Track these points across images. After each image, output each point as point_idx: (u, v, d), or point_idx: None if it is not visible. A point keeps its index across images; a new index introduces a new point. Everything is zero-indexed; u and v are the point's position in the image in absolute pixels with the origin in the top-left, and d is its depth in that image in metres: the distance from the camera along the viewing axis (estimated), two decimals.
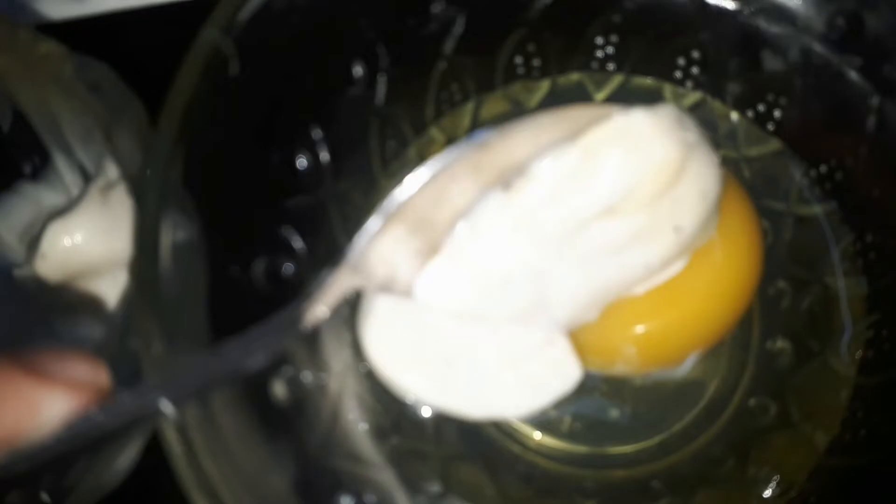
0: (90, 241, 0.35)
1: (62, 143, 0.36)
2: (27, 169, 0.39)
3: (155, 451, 0.31)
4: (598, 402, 0.35)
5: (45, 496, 0.30)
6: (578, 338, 0.32)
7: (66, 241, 0.36)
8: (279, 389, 0.28)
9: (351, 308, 0.34)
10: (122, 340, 0.33)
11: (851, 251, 0.35)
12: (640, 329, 0.32)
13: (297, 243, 0.31)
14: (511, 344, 0.32)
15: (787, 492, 0.32)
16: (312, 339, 0.31)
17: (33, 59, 0.33)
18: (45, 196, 0.39)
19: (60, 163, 0.38)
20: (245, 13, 0.27)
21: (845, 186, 0.35)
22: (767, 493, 0.32)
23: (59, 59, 0.33)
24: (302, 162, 0.31)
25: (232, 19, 0.27)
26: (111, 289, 0.36)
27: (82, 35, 0.37)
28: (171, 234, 0.26)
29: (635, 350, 0.33)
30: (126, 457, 0.31)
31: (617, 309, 0.30)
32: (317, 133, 0.31)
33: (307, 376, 0.29)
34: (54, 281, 0.36)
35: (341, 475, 0.29)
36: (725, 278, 0.32)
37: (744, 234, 0.33)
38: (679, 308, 0.32)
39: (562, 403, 0.33)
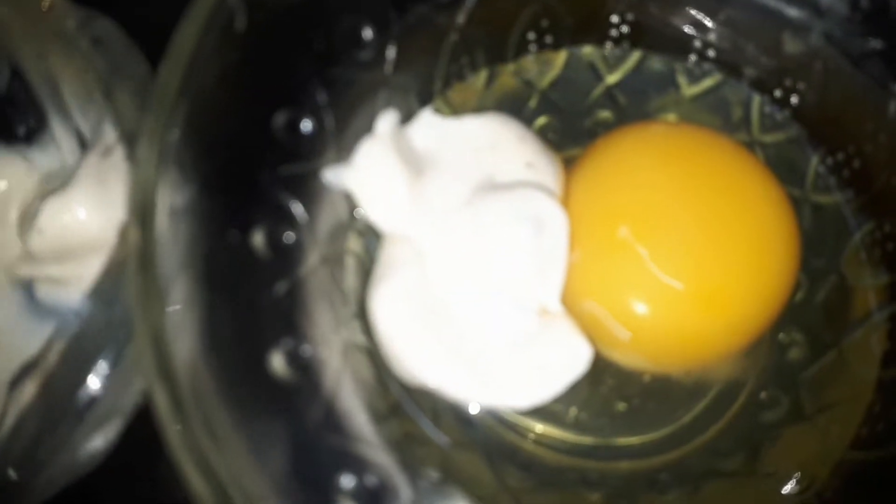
0: (90, 217, 0.34)
1: (60, 105, 0.35)
2: (21, 131, 0.38)
3: (133, 433, 0.31)
4: (606, 393, 0.34)
5: (11, 473, 0.28)
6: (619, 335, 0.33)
7: (67, 218, 0.34)
8: (278, 363, 0.27)
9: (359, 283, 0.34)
10: (107, 311, 0.31)
11: (869, 241, 0.35)
12: (683, 329, 0.32)
13: (298, 210, 0.30)
14: (517, 326, 0.32)
15: (807, 489, 0.32)
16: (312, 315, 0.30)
17: (35, 12, 0.32)
18: (39, 161, 0.37)
19: (57, 126, 0.36)
20: None
21: (864, 174, 0.35)
22: (786, 488, 0.32)
23: (61, 13, 0.32)
24: (306, 126, 0.30)
25: None
26: (100, 261, 0.34)
27: None
28: (169, 198, 0.25)
29: (677, 349, 0.33)
30: (103, 438, 0.30)
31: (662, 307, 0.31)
32: (322, 97, 0.30)
33: (307, 350, 0.28)
34: (46, 255, 0.35)
35: (342, 455, 0.28)
36: (768, 275, 0.32)
37: (785, 230, 0.33)
38: (724, 308, 0.32)
39: (567, 395, 0.33)
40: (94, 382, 0.29)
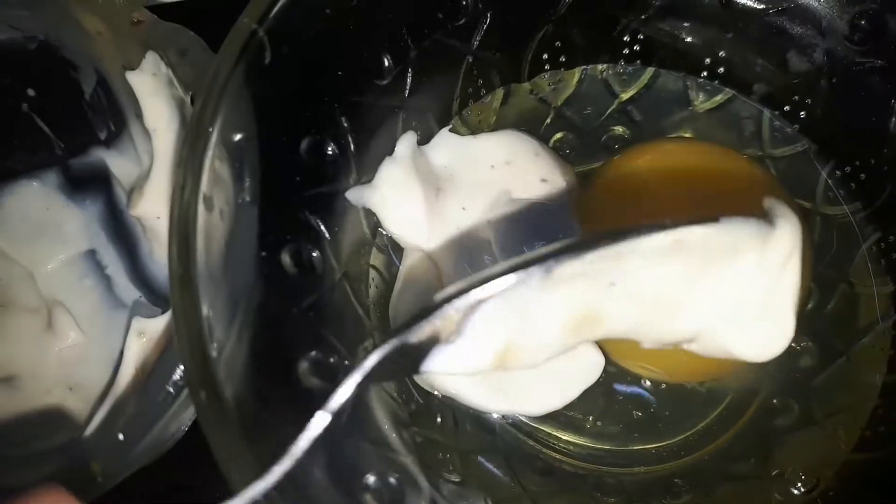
0: None
1: (139, 112, 0.39)
2: (103, 135, 0.42)
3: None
4: (622, 401, 0.37)
5: (120, 435, 0.34)
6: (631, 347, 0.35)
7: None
8: (306, 372, 0.30)
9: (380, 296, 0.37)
10: None
11: (876, 250, 0.37)
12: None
13: (323, 229, 0.33)
14: None
15: (812, 489, 0.34)
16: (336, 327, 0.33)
17: (125, 24, 0.37)
18: (118, 163, 0.42)
19: (136, 131, 0.41)
20: (279, 4, 0.30)
21: (870, 186, 0.38)
22: (794, 490, 0.34)
23: (150, 25, 0.37)
24: (330, 150, 0.33)
25: (267, 10, 0.30)
26: None
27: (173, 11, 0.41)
28: (206, 223, 0.28)
29: (693, 361, 0.34)
30: (182, 420, 0.34)
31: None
32: (345, 123, 0.34)
33: (333, 360, 0.31)
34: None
35: (366, 457, 0.31)
36: None
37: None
38: None
39: (585, 403, 0.36)
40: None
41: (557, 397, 0.35)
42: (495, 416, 0.36)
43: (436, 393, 0.35)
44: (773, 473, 0.35)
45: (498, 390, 0.35)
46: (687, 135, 0.41)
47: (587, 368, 0.35)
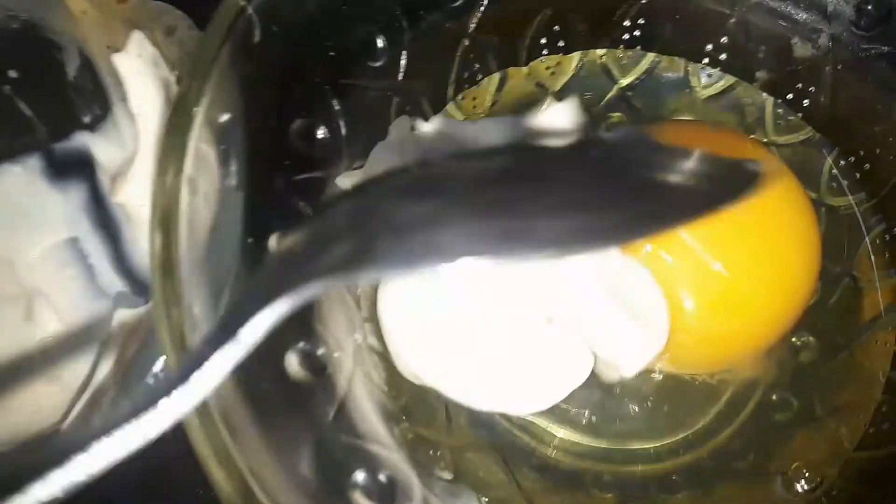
0: None
1: (124, 95, 0.38)
2: (87, 119, 0.40)
3: None
4: (618, 397, 0.36)
5: None
6: None
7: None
8: (293, 364, 0.29)
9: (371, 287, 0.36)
10: None
11: (880, 243, 0.37)
12: (711, 334, 0.34)
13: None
14: (522, 335, 0.34)
15: (816, 487, 0.34)
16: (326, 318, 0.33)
17: (110, 3, 0.36)
18: (102, 148, 0.40)
19: (120, 114, 0.39)
20: None
21: (875, 176, 0.37)
22: (798, 488, 0.34)
23: (135, 3, 0.36)
24: (321, 133, 0.33)
25: None
26: None
27: None
28: (190, 206, 0.27)
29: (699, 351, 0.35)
30: None
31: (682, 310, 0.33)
32: (336, 105, 0.33)
33: (321, 353, 0.31)
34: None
35: (356, 452, 0.30)
36: (792, 279, 0.34)
37: (808, 235, 0.34)
38: (751, 313, 0.34)
39: (581, 398, 0.35)
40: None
41: (545, 396, 0.34)
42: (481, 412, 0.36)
43: (425, 387, 0.35)
44: (775, 471, 0.34)
45: (484, 385, 0.34)
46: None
47: (577, 367, 0.34)
